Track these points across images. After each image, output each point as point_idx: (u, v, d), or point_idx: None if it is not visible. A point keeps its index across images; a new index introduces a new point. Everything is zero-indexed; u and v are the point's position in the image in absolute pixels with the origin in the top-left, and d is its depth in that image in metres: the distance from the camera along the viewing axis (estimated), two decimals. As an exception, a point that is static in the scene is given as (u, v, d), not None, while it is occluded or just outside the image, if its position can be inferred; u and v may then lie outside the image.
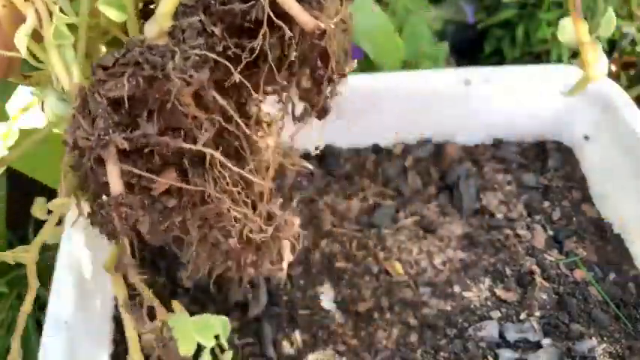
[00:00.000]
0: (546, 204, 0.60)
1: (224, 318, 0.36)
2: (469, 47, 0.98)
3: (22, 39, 0.29)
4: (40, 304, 0.66)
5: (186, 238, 0.36)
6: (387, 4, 0.72)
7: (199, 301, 0.53)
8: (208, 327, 0.35)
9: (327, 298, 0.54)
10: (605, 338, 0.48)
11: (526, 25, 0.91)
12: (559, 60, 0.90)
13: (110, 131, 0.28)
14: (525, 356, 0.47)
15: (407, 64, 0.71)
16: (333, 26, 0.30)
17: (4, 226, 0.66)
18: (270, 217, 0.40)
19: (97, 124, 0.28)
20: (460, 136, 0.65)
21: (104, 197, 0.29)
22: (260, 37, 0.29)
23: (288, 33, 0.29)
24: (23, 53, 0.30)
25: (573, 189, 0.61)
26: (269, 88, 0.35)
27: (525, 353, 0.48)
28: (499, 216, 0.59)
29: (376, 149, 0.66)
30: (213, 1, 0.28)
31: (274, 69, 0.31)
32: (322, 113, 0.37)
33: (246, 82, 0.30)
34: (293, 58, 0.31)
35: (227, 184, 0.34)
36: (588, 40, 0.32)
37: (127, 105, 0.28)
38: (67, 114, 0.31)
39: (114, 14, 0.30)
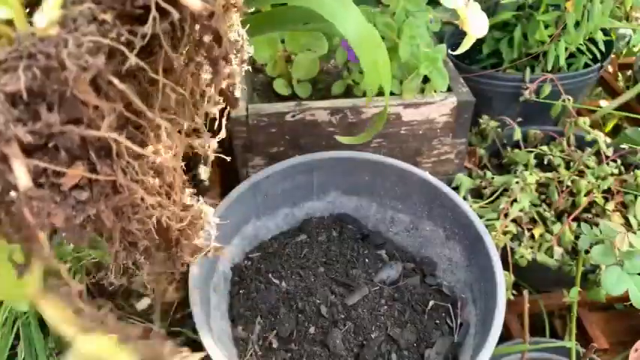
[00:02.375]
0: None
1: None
2: (467, 49, 0.98)
3: None
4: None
5: (106, 234, 0.37)
6: (386, 5, 0.73)
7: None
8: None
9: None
10: None
11: (524, 27, 0.92)
12: (556, 61, 0.91)
13: (11, 125, 0.28)
14: None
15: (406, 66, 0.71)
16: (221, 6, 0.31)
17: None
18: (185, 207, 0.41)
19: None
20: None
21: (12, 193, 0.29)
22: (150, 21, 0.29)
23: (176, 15, 0.29)
24: None
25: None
26: (170, 76, 0.35)
27: None
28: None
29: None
30: None
31: (170, 53, 0.32)
32: (234, 102, 0.39)
33: (143, 65, 0.30)
34: (187, 41, 0.32)
35: (137, 173, 0.34)
36: (469, 3, 0.34)
37: (25, 98, 0.28)
38: None
39: None
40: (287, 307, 0.61)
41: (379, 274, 0.65)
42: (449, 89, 0.74)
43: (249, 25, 0.67)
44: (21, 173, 0.28)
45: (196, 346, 0.74)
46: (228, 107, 0.41)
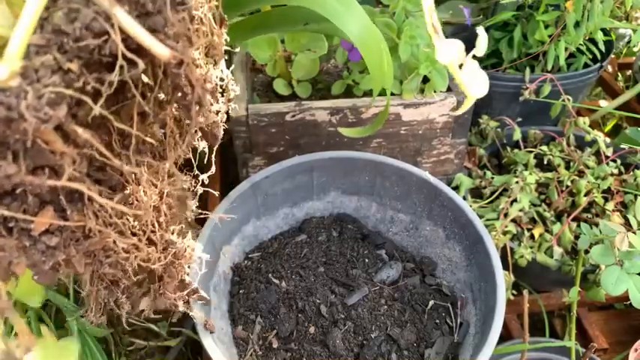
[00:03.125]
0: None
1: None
2: (467, 49, 0.98)
3: None
4: (43, 303, 0.66)
5: (81, 276, 0.37)
6: (387, 5, 0.73)
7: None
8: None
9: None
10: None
11: (523, 27, 0.92)
12: (556, 61, 0.91)
13: None
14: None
15: (406, 66, 0.72)
16: (193, 54, 0.30)
17: None
18: (167, 245, 0.40)
19: None
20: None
21: None
22: (117, 70, 0.29)
23: (142, 65, 0.29)
24: None
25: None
26: (146, 119, 0.35)
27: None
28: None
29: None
30: (66, 39, 0.28)
31: (140, 100, 0.32)
32: (213, 139, 0.38)
33: (106, 114, 0.30)
34: (159, 87, 0.31)
35: (110, 216, 0.34)
36: (464, 62, 0.33)
37: None
38: None
39: None
40: (287, 307, 0.61)
41: (379, 273, 0.65)
42: (449, 89, 0.75)
43: (249, 25, 0.68)
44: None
45: (196, 346, 0.74)
46: (211, 141, 0.40)
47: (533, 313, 0.78)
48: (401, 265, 0.67)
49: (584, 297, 0.73)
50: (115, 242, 0.35)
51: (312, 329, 0.59)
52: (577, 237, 0.73)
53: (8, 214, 0.29)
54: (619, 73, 1.22)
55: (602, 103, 1.19)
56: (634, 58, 1.17)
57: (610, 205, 0.78)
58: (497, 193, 0.81)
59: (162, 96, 0.34)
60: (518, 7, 0.94)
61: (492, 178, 0.83)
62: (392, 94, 0.72)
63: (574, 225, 0.76)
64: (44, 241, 0.32)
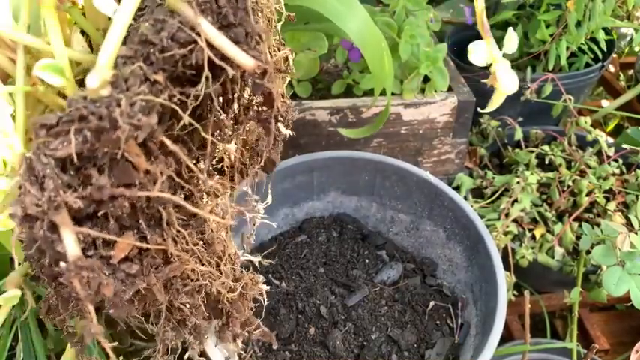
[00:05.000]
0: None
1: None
2: (468, 48, 0.98)
3: None
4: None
5: (153, 309, 0.36)
6: (387, 4, 0.73)
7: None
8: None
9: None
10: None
11: (525, 26, 0.92)
12: (557, 60, 0.90)
13: (61, 191, 0.27)
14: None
15: (406, 65, 0.71)
16: (273, 65, 0.30)
17: None
18: (236, 278, 0.39)
19: (47, 186, 0.26)
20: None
21: (62, 264, 0.27)
22: (203, 80, 0.28)
23: (230, 72, 0.29)
24: None
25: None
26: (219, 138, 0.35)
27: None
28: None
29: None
30: (152, 50, 0.28)
31: (221, 114, 0.31)
32: (270, 166, 0.38)
33: (196, 124, 0.29)
34: (238, 101, 0.31)
35: (186, 242, 0.33)
36: (498, 60, 0.34)
37: (75, 162, 0.27)
38: (11, 189, 0.30)
39: (52, 79, 0.29)
40: (287, 308, 0.60)
41: (379, 274, 0.65)
42: (449, 89, 0.74)
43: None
44: (70, 242, 0.27)
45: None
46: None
47: (535, 313, 0.78)
48: (401, 265, 0.66)
49: (586, 297, 0.72)
50: (192, 270, 0.34)
51: (312, 330, 0.59)
52: (578, 237, 0.73)
53: (93, 233, 0.28)
54: (620, 73, 1.22)
55: (604, 102, 1.18)
56: (635, 57, 1.17)
57: (611, 206, 0.78)
58: (498, 194, 0.81)
59: (236, 112, 0.34)
60: (519, 7, 0.93)
61: (493, 178, 0.83)
62: (392, 93, 0.71)
63: (575, 225, 0.76)
64: (124, 269, 0.31)
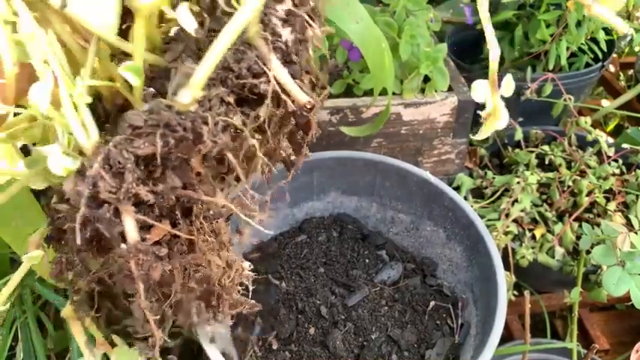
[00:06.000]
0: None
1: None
2: (468, 48, 0.98)
3: (43, 97, 0.31)
4: (42, 303, 0.66)
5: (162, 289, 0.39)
6: (387, 4, 0.73)
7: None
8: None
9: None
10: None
11: (525, 26, 0.92)
12: (557, 60, 0.90)
13: (134, 184, 0.30)
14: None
15: (406, 65, 0.71)
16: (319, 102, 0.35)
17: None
18: (229, 264, 0.43)
19: (126, 179, 0.30)
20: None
21: (122, 246, 0.31)
22: (265, 106, 0.33)
23: (291, 106, 0.34)
24: (43, 109, 0.31)
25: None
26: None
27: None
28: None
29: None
30: (230, 75, 0.32)
31: (268, 135, 0.36)
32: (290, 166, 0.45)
33: (257, 146, 0.35)
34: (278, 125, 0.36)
35: (205, 233, 0.37)
36: (497, 103, 0.40)
37: (153, 161, 0.31)
38: (74, 168, 0.32)
39: (133, 80, 0.32)
40: (287, 308, 0.60)
41: (379, 274, 0.65)
42: (450, 89, 0.74)
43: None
44: (131, 227, 0.31)
45: (196, 346, 0.74)
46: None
47: (535, 313, 0.78)
48: (401, 265, 0.66)
49: (586, 298, 0.72)
50: (207, 259, 0.38)
51: (312, 330, 0.58)
52: (578, 237, 0.73)
53: (150, 221, 0.32)
54: (621, 73, 1.22)
55: (604, 102, 1.18)
56: (635, 57, 1.17)
57: (612, 206, 0.78)
58: (498, 194, 0.81)
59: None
60: (520, 6, 0.93)
61: (493, 178, 0.83)
62: (392, 93, 0.71)
63: (575, 225, 0.76)
64: (154, 251, 0.34)
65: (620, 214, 0.77)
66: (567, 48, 0.90)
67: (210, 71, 0.30)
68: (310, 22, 0.34)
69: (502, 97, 0.41)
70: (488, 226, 0.64)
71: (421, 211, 0.68)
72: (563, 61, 0.90)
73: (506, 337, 0.75)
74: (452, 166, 0.80)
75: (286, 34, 0.33)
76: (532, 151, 0.86)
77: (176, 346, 0.72)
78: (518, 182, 0.79)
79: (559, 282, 0.75)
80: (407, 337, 0.59)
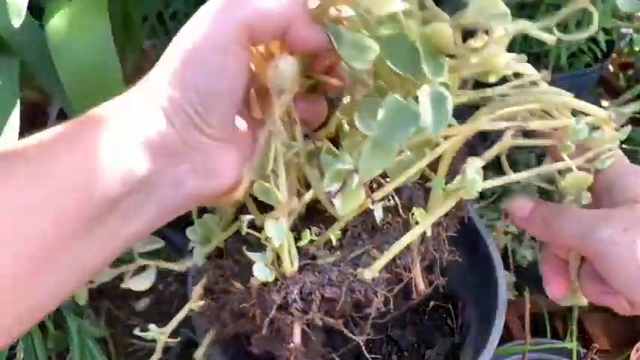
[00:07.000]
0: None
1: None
2: (468, 48, 0.98)
3: (278, 234, 0.37)
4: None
5: None
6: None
7: None
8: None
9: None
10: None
11: (525, 26, 0.92)
12: (557, 60, 0.90)
13: (314, 313, 0.38)
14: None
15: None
16: None
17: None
18: None
19: (312, 308, 0.38)
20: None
21: (290, 344, 0.38)
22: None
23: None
24: (277, 243, 0.37)
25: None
26: None
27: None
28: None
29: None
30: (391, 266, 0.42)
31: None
32: None
33: None
34: None
35: None
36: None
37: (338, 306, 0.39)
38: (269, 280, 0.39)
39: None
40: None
41: (379, 274, 0.65)
42: (449, 89, 0.74)
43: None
44: (297, 333, 0.38)
45: (196, 346, 0.74)
46: None
47: (535, 313, 0.78)
48: (401, 265, 0.66)
49: (586, 298, 0.72)
50: None
51: (312, 330, 0.59)
52: (578, 237, 0.72)
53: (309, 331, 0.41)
54: (620, 73, 1.22)
55: (603, 102, 1.18)
56: (635, 57, 1.17)
57: (611, 206, 0.78)
58: (498, 193, 0.81)
59: None
60: (519, 6, 0.93)
61: (494, 178, 0.83)
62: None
63: (575, 225, 0.76)
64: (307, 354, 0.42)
65: (619, 214, 0.77)
66: (567, 48, 0.90)
67: (387, 260, 0.40)
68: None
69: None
70: (488, 226, 0.64)
71: (421, 211, 0.68)
72: (563, 61, 0.90)
73: (506, 337, 0.75)
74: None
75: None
76: (532, 151, 0.86)
77: (176, 346, 0.72)
78: (518, 182, 0.79)
79: (559, 282, 0.75)
80: (407, 337, 0.59)
